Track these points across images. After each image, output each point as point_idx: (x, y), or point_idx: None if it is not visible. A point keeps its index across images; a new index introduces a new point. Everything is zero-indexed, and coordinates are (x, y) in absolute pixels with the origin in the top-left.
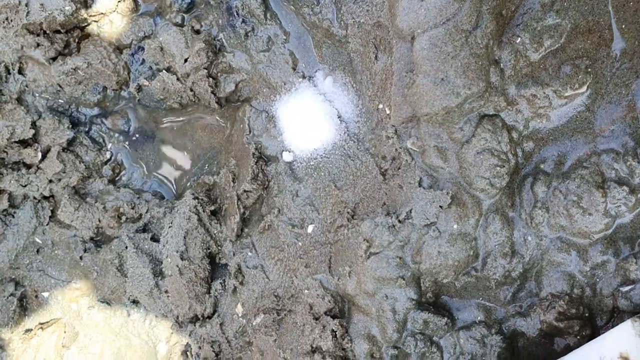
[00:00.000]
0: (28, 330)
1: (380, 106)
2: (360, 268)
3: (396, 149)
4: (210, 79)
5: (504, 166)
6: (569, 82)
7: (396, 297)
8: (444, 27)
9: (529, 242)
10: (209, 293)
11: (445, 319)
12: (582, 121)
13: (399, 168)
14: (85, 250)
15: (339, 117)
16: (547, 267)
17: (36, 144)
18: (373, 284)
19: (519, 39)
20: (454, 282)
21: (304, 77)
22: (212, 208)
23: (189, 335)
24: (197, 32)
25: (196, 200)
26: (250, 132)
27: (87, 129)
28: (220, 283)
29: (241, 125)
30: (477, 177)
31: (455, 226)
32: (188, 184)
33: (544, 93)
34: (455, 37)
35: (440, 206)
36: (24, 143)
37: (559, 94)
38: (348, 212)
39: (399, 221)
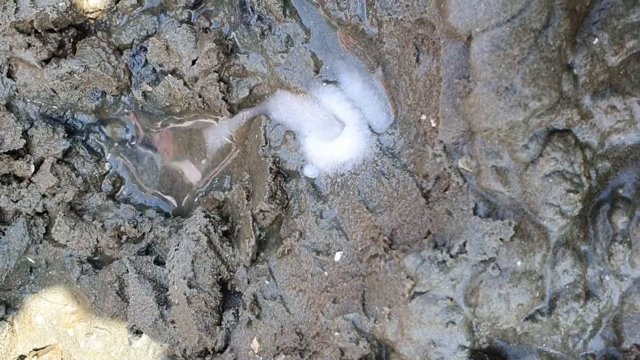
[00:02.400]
0: (22, 357)
1: (423, 117)
2: (402, 310)
3: (444, 169)
4: (222, 84)
5: (577, 192)
6: None
7: (445, 344)
8: (509, 25)
9: (606, 282)
10: (220, 325)
11: None
12: None
13: (446, 189)
14: (82, 272)
15: (369, 128)
16: (629, 312)
17: (28, 155)
18: (418, 329)
19: (596, 39)
20: (514, 327)
21: (327, 81)
22: (225, 228)
23: None
24: (206, 30)
25: (207, 219)
26: (266, 143)
27: (84, 138)
28: (233, 313)
29: (256, 136)
30: (544, 205)
31: (518, 263)
32: (195, 200)
33: (625, 104)
34: (523, 38)
35: (501, 239)
36: (14, 154)
37: None
38: (384, 241)
39: (451, 256)
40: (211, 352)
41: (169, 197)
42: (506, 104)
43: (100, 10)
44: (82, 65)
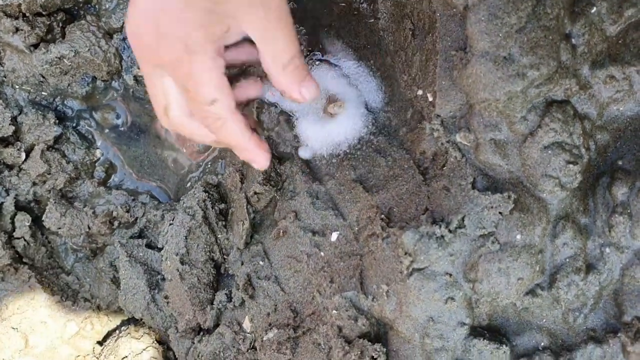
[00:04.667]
0: None
1: (420, 92)
2: (400, 287)
3: (442, 144)
4: None
5: (576, 163)
6: None
7: (445, 321)
8: None
9: (607, 255)
10: (212, 304)
11: (504, 346)
12: None
13: (444, 166)
14: (76, 260)
15: (365, 107)
16: (630, 284)
17: (18, 143)
18: (417, 306)
19: (594, 8)
20: (515, 302)
21: (321, 60)
22: (222, 206)
23: (186, 353)
24: None
25: (206, 194)
26: (259, 125)
27: (74, 125)
28: (226, 294)
29: (249, 117)
30: (543, 177)
31: (518, 237)
32: (188, 185)
33: (624, 73)
34: (520, 6)
35: (500, 213)
36: (3, 141)
37: None
38: (382, 219)
39: (449, 231)
40: (202, 332)
41: (161, 184)
42: (504, 74)
43: None
44: (71, 50)
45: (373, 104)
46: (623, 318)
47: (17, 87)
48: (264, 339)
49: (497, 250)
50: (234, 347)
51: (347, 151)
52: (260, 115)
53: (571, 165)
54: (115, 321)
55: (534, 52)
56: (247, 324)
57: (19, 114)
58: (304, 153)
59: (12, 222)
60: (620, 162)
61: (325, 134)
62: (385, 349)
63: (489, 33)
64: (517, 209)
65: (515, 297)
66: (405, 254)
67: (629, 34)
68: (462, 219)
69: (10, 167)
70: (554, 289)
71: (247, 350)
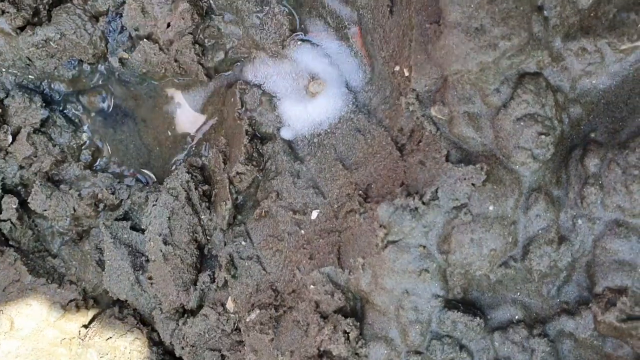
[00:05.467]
0: None
1: (397, 68)
2: (375, 260)
3: (417, 118)
4: (197, 46)
5: (549, 134)
6: (626, 32)
7: (419, 293)
8: None
9: (579, 226)
10: (195, 285)
11: (478, 318)
12: None
13: (420, 142)
14: (62, 243)
15: (346, 86)
16: (601, 256)
17: (5, 125)
18: (391, 278)
19: None
20: (488, 274)
21: (303, 40)
22: (205, 187)
23: (171, 335)
24: None
25: (189, 175)
26: (242, 106)
27: (61, 108)
28: (209, 275)
29: (232, 99)
30: (516, 148)
31: (490, 208)
32: (173, 168)
33: (596, 46)
34: None
35: (473, 184)
36: None
37: (613, 47)
38: (359, 195)
39: (423, 203)
40: (186, 313)
41: (146, 168)
42: (476, 45)
43: None
44: (58, 33)
45: (354, 83)
46: (595, 289)
47: (3, 70)
48: (247, 320)
49: (469, 222)
50: (218, 328)
51: (328, 130)
52: (243, 96)
53: (543, 137)
54: (101, 304)
55: (506, 23)
56: (230, 305)
57: (6, 97)
58: (285, 133)
59: None
60: (592, 135)
61: (306, 114)
62: (358, 323)
63: (461, 4)
64: (490, 181)
65: (488, 268)
66: (380, 226)
67: (601, 7)
68: (436, 191)
69: None
70: (527, 261)
71: (232, 332)
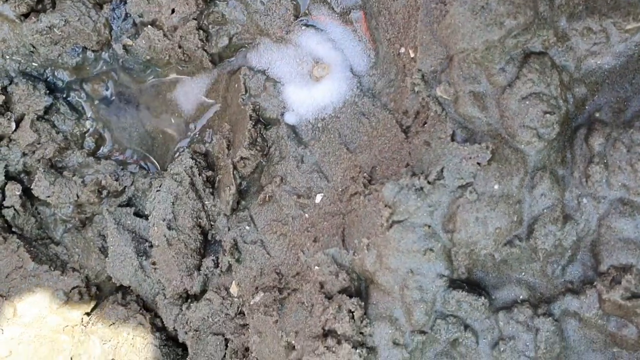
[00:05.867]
0: None
1: (402, 50)
2: (380, 239)
3: (423, 99)
4: (201, 32)
5: (554, 113)
6: (631, 12)
7: (424, 272)
8: None
9: (584, 205)
10: (199, 270)
11: (482, 298)
12: None
13: (425, 123)
14: (65, 230)
15: (350, 70)
16: (606, 234)
17: (9, 113)
18: (396, 258)
19: None
20: (493, 253)
21: (307, 25)
22: (209, 173)
23: (174, 320)
24: None
25: (193, 161)
26: (246, 91)
27: (64, 96)
28: (213, 260)
29: (236, 85)
30: (521, 128)
31: (496, 187)
32: (176, 155)
33: (601, 26)
34: None
35: (479, 163)
36: None
37: (618, 26)
38: (364, 177)
39: (428, 182)
40: (189, 298)
41: (149, 155)
42: (482, 23)
43: None
44: (62, 19)
45: (358, 67)
46: (599, 268)
47: (7, 57)
48: (251, 302)
49: (475, 200)
50: (222, 312)
51: (332, 114)
52: (247, 82)
53: (548, 115)
54: (104, 291)
55: (511, 1)
56: (234, 289)
57: (9, 84)
58: (290, 118)
59: (2, 192)
60: (597, 114)
61: (310, 99)
62: (363, 303)
63: None
64: (495, 160)
65: (493, 247)
66: (385, 206)
67: None
68: (441, 170)
69: (0, 138)
70: (532, 240)
71: (236, 315)
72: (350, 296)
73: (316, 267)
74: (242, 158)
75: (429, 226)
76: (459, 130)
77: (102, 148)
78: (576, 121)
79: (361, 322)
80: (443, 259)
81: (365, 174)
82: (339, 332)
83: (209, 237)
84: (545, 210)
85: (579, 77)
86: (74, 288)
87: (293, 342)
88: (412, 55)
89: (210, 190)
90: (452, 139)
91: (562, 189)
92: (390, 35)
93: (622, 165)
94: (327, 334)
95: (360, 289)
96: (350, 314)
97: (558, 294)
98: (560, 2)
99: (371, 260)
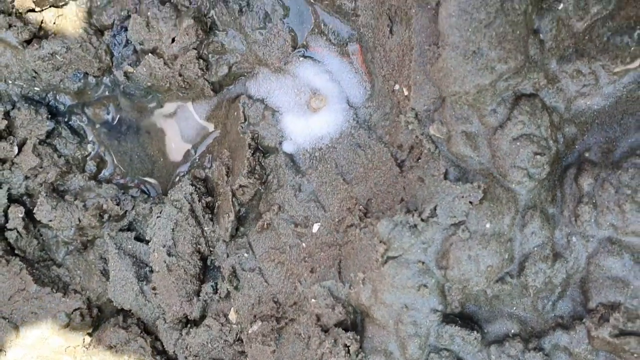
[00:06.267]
0: None
1: (397, 87)
2: (375, 274)
3: (416, 136)
4: (201, 61)
5: (544, 154)
6: (619, 55)
7: (418, 307)
8: None
9: (573, 244)
10: (198, 296)
11: (475, 332)
12: (633, 101)
13: (419, 159)
14: (67, 253)
15: (347, 102)
16: (595, 272)
17: (11, 137)
18: (391, 293)
19: (561, 4)
20: (485, 289)
21: (304, 56)
22: (208, 199)
23: (174, 344)
24: (186, 8)
25: (193, 187)
26: (245, 120)
27: (66, 120)
28: (212, 286)
29: (235, 113)
30: (512, 168)
31: (487, 225)
32: (176, 180)
33: (590, 68)
34: (489, 2)
35: (471, 202)
36: None
37: (607, 69)
38: (360, 210)
39: (422, 220)
40: (189, 323)
41: (150, 179)
42: (474, 67)
43: None
44: (63, 46)
45: (354, 99)
46: (588, 305)
47: (10, 82)
48: (249, 331)
49: (467, 239)
50: (221, 338)
51: (329, 145)
52: (246, 111)
53: (539, 157)
54: (105, 313)
55: (502, 47)
56: (232, 316)
57: (12, 108)
58: (288, 147)
59: (5, 215)
60: (587, 154)
61: (308, 129)
62: (358, 337)
63: (459, 28)
64: (487, 199)
65: (485, 284)
66: (380, 242)
67: (595, 30)
68: (434, 208)
69: (2, 161)
70: (523, 277)
71: (234, 342)
72: (346, 330)
73: (313, 300)
74: (241, 186)
75: (423, 262)
76: (451, 169)
77: (103, 171)
78: (566, 160)
79: (357, 356)
80: (437, 294)
81: (361, 206)
82: None
83: (208, 263)
84: (535, 248)
85: (569, 118)
86: (75, 310)
87: None
88: (406, 93)
89: (210, 216)
90: (445, 177)
91: (552, 227)
92: (385, 72)
93: (610, 205)
94: None
95: (355, 322)
96: (346, 348)
97: (548, 329)
98: (550, 46)
99: (367, 294)
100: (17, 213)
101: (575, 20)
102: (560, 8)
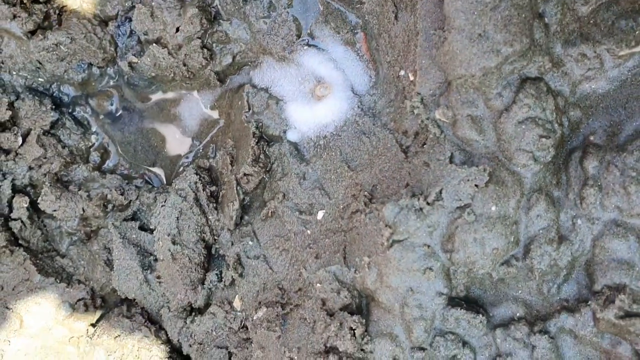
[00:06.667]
0: None
1: (402, 73)
2: (381, 258)
3: (422, 121)
4: (205, 51)
5: (549, 137)
6: (624, 39)
7: (423, 291)
8: None
9: (579, 226)
10: (203, 284)
11: (480, 316)
12: (638, 85)
13: (424, 144)
14: (70, 243)
15: (351, 90)
16: (600, 255)
17: (15, 127)
18: (396, 277)
19: None
20: (490, 272)
21: (308, 45)
22: (213, 188)
23: (179, 332)
24: None
25: (197, 177)
26: (249, 109)
27: (70, 111)
28: (217, 274)
29: (239, 102)
30: (518, 151)
31: (493, 208)
32: (180, 169)
33: (595, 52)
34: None
35: (476, 185)
36: (0, 126)
37: (612, 53)
38: (365, 196)
39: (428, 203)
40: (193, 311)
41: (154, 169)
42: (479, 50)
43: None
44: (68, 37)
45: (359, 87)
46: (594, 287)
47: (14, 73)
48: (254, 317)
49: (473, 221)
50: (225, 326)
51: (334, 132)
52: (250, 100)
53: (544, 140)
54: (109, 303)
55: (508, 30)
56: (237, 303)
57: (16, 99)
58: (292, 135)
59: (9, 206)
60: (592, 137)
61: (312, 117)
62: (364, 320)
63: (465, 11)
64: (493, 182)
65: (490, 266)
66: (386, 226)
67: (600, 14)
68: (440, 192)
69: (7, 152)
70: (528, 259)
71: (239, 329)
72: (352, 313)
73: (318, 285)
74: (245, 174)
75: (429, 246)
76: (457, 153)
77: (107, 162)
78: (571, 144)
79: (362, 339)
80: (442, 277)
81: (366, 192)
82: (340, 349)
83: (213, 252)
84: (541, 231)
85: (574, 101)
86: (79, 300)
87: (295, 357)
88: (411, 78)
89: (214, 205)
90: (451, 161)
91: (557, 210)
92: (390, 58)
93: (616, 188)
94: (329, 350)
95: (361, 306)
96: (352, 331)
97: (554, 312)
98: (556, 30)
99: (372, 278)
100: (21, 203)
101: (580, 4)
102: None
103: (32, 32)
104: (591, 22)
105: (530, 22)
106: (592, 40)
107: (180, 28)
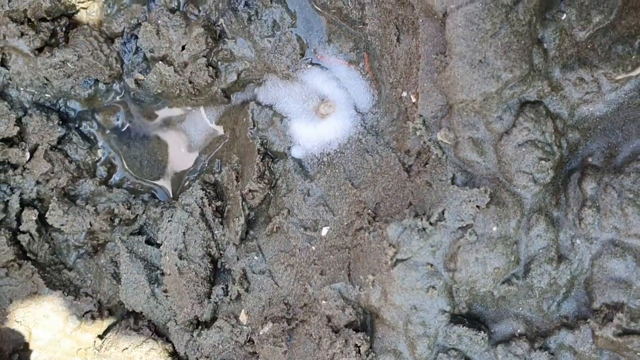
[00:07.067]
0: None
1: (404, 94)
2: (385, 277)
3: (424, 142)
4: (210, 69)
5: (548, 159)
6: (620, 63)
7: (426, 309)
8: (482, 1)
9: (578, 246)
10: (209, 298)
11: (482, 332)
12: (635, 108)
13: (426, 164)
14: (78, 256)
15: (354, 108)
16: (599, 273)
17: (23, 143)
18: (400, 295)
19: (564, 15)
20: (492, 291)
21: (312, 63)
22: (218, 203)
23: (185, 346)
24: (195, 16)
25: (203, 192)
26: (254, 126)
27: (76, 126)
28: (222, 288)
29: (244, 119)
30: (518, 173)
31: (494, 228)
32: (186, 184)
33: (592, 76)
34: (495, 13)
35: (478, 206)
36: (8, 141)
37: (609, 77)
38: (368, 214)
39: (430, 224)
40: (200, 325)
41: (160, 183)
42: (480, 76)
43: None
44: (75, 54)
45: (361, 105)
46: (593, 305)
47: (22, 89)
48: (261, 332)
49: (474, 241)
50: (232, 339)
51: (337, 150)
52: (255, 116)
53: (543, 162)
54: (116, 315)
55: (508, 56)
56: (243, 317)
57: (24, 115)
58: (296, 152)
59: (18, 220)
60: (590, 159)
61: (316, 134)
62: (369, 337)
63: (466, 38)
64: (494, 203)
65: (492, 285)
66: (390, 245)
67: (597, 39)
68: (442, 212)
69: (14, 167)
70: (529, 278)
71: (245, 343)
72: (357, 330)
73: (323, 301)
74: (250, 190)
75: (432, 265)
76: (459, 174)
77: (113, 176)
78: (570, 165)
79: (367, 355)
80: (445, 295)
81: (369, 210)
82: None
83: (219, 266)
84: (540, 251)
85: (573, 124)
86: (86, 312)
87: None
88: (413, 100)
89: (220, 219)
90: (453, 182)
91: (556, 230)
92: (393, 79)
93: (613, 209)
94: None
95: (365, 322)
96: (357, 348)
97: (554, 329)
98: (554, 54)
99: (376, 296)
100: (30, 215)
101: (578, 30)
102: (563, 18)
103: (40, 50)
104: (589, 47)
105: (529, 48)
106: (589, 65)
107: (186, 46)
